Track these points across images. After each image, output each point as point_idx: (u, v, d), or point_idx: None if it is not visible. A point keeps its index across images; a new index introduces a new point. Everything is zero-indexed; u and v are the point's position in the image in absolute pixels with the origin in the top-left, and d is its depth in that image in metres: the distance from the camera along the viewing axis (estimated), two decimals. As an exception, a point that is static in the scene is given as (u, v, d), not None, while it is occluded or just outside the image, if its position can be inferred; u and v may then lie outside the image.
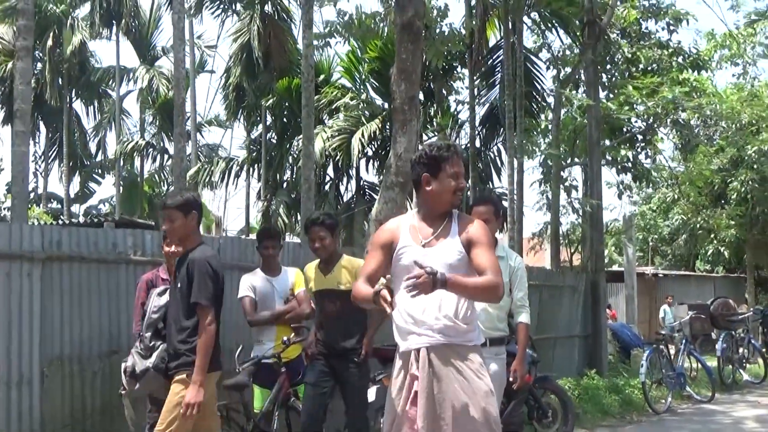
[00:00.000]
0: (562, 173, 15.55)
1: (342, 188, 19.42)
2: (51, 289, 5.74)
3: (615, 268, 25.90)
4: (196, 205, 4.73)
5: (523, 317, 5.46)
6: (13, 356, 5.56)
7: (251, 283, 6.21)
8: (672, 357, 10.84)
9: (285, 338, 5.90)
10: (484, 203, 5.36)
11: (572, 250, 17.12)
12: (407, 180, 8.04)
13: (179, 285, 4.50)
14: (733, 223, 22.22)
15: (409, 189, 8.27)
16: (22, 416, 5.58)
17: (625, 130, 16.16)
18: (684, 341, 11.37)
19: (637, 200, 32.26)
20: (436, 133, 17.39)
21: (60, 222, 19.57)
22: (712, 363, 12.42)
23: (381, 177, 18.32)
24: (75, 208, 26.07)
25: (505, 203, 16.53)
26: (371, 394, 6.01)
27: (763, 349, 13.13)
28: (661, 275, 25.52)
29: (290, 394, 5.89)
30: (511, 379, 5.25)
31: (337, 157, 17.60)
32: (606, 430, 8.63)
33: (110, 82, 26.68)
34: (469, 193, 16.85)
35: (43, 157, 26.82)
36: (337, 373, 5.50)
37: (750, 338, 13.72)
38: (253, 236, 22.69)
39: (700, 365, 11.61)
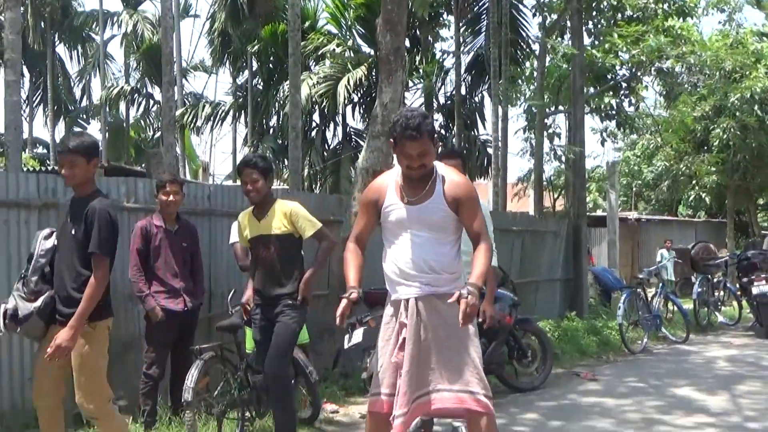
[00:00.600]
0: (546, 121, 15.73)
1: (328, 135, 19.46)
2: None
3: (599, 213, 26.21)
4: (98, 151, 4.55)
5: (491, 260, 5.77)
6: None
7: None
8: (649, 300, 11.12)
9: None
10: (452, 157, 5.69)
11: (555, 196, 17.40)
12: (393, 128, 8.21)
13: (74, 232, 4.30)
14: (714, 169, 22.47)
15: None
16: (23, 357, 5.81)
17: (609, 77, 16.30)
18: (661, 285, 11.67)
19: (621, 146, 32.50)
20: (422, 80, 17.43)
21: (47, 167, 19.61)
22: (690, 306, 12.82)
23: (367, 124, 18.43)
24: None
25: (490, 150, 16.78)
26: (358, 335, 6.26)
27: (738, 293, 13.45)
28: (643, 220, 25.86)
29: (280, 335, 6.13)
30: (480, 319, 5.45)
31: (323, 104, 17.59)
32: (583, 369, 8.92)
33: (94, 26, 26.39)
34: (454, 140, 17.05)
35: (27, 102, 26.61)
36: (272, 320, 5.32)
37: (726, 282, 14.06)
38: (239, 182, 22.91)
39: (676, 308, 11.94)
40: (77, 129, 25.61)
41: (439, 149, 5.14)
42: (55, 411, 4.45)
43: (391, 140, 3.88)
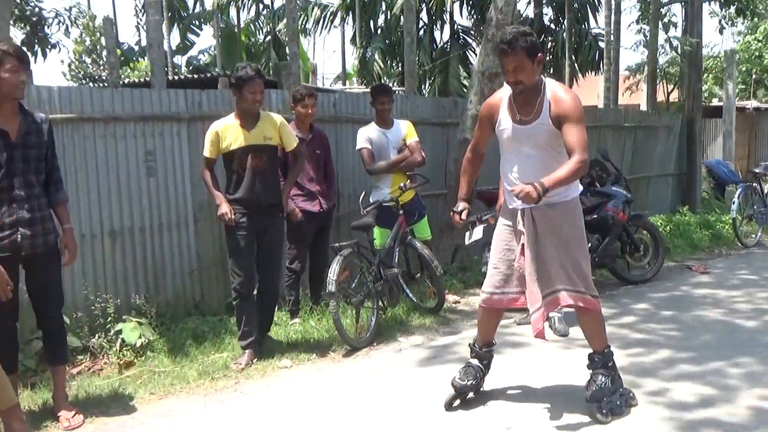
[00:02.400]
0: (661, 10, 15.30)
1: (436, 33, 19.49)
2: (196, 144, 6.52)
3: (714, 102, 25.29)
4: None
5: None
6: (171, 203, 6.47)
7: (368, 135, 6.87)
8: (765, 194, 11.03)
9: (402, 184, 6.64)
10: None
11: (669, 89, 17.03)
12: (507, 32, 8.38)
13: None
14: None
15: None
16: (182, 253, 6.57)
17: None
18: (778, 178, 11.51)
19: (741, 30, 30.93)
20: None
21: (166, 74, 20.44)
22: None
23: (474, 21, 18.41)
24: (177, 59, 26.91)
25: (602, 44, 16.51)
26: (478, 232, 6.63)
27: None
28: (762, 109, 24.86)
29: (407, 233, 6.67)
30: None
31: (431, 2, 17.60)
32: (695, 263, 9.14)
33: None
34: (564, 35, 16.84)
35: (143, 10, 27.47)
36: (258, 230, 5.51)
37: None
38: (350, 83, 23.26)
39: (793, 201, 11.77)
40: (191, 36, 26.40)
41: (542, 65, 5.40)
42: None
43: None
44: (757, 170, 11.38)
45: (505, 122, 4.17)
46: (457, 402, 4.42)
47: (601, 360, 4.22)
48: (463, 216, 4.44)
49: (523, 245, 4.19)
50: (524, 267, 4.19)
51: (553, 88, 4.05)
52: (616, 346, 5.52)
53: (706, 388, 4.59)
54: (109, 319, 5.73)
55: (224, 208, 5.40)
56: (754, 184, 10.86)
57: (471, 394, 4.48)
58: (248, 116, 5.52)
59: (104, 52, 23.43)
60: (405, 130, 6.99)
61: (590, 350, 4.29)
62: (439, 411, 4.35)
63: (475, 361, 4.51)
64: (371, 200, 6.68)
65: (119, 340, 5.61)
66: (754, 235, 10.66)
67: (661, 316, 6.55)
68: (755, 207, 10.77)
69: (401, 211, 6.62)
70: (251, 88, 5.41)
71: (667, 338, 5.79)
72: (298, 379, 5.11)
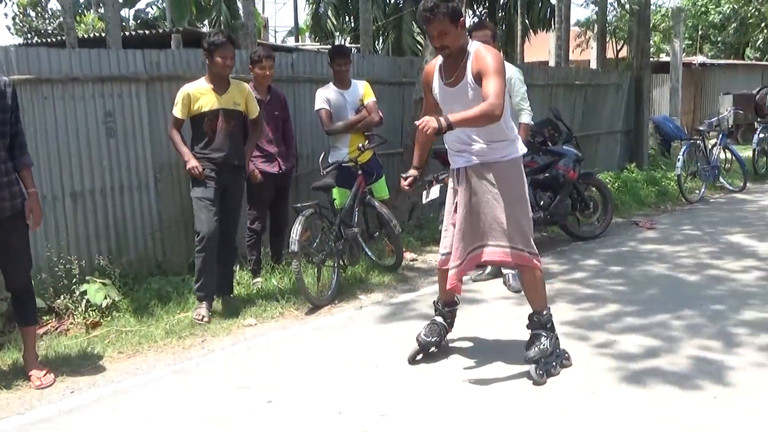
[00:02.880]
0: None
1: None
2: (155, 105, 6.56)
3: (662, 57, 25.69)
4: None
5: (523, 118, 6.50)
6: (131, 165, 6.50)
7: (326, 96, 6.97)
8: (708, 151, 11.41)
9: (360, 145, 6.77)
10: (482, 28, 6.27)
11: (618, 47, 17.32)
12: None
13: None
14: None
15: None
16: (143, 214, 6.62)
17: None
18: (720, 135, 11.88)
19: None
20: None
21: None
22: (749, 154, 13.09)
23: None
24: (124, 12, 26.35)
25: (553, 1, 16.67)
26: (435, 191, 6.80)
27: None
28: (707, 65, 25.34)
29: (366, 193, 6.83)
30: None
31: (385, -43, 17.52)
32: (642, 219, 9.49)
33: None
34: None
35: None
36: (224, 188, 5.76)
37: (787, 130, 14.10)
38: (302, 39, 23.08)
39: (734, 157, 12.19)
40: None
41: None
42: None
43: None
44: (701, 128, 11.74)
45: (436, 86, 4.32)
46: (420, 356, 4.64)
47: (540, 320, 4.40)
48: (409, 181, 4.61)
49: (456, 203, 4.39)
50: (456, 225, 4.38)
51: (476, 48, 4.15)
52: (566, 301, 5.86)
53: (651, 340, 4.88)
54: (74, 280, 5.80)
55: (193, 162, 5.62)
56: (698, 142, 11.20)
57: (433, 349, 4.70)
58: (220, 81, 5.73)
59: (49, 4, 22.92)
60: (362, 90, 7.10)
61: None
62: (401, 365, 4.57)
63: (439, 319, 4.73)
64: (330, 161, 6.80)
65: (84, 301, 5.69)
66: (697, 191, 11.05)
67: (610, 271, 6.85)
68: (699, 164, 11.13)
69: (360, 171, 6.76)
70: (222, 53, 5.63)
71: (614, 293, 6.09)
72: (264, 337, 5.28)
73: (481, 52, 4.11)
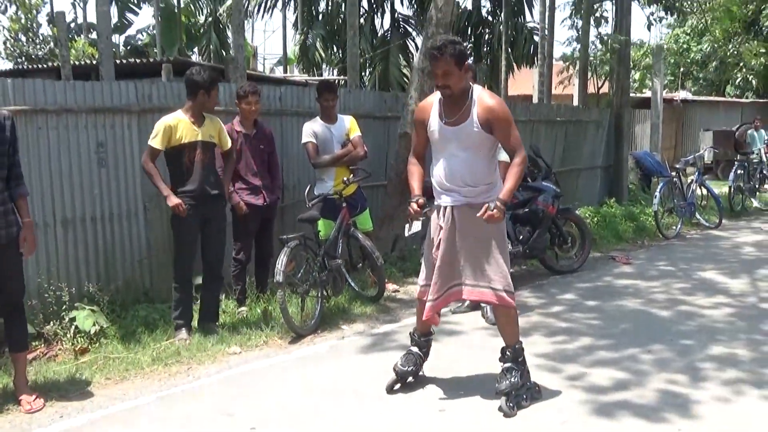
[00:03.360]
0: (594, 5, 15.86)
1: (377, 21, 19.73)
2: (146, 136, 6.66)
3: (646, 92, 26.10)
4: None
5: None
6: (121, 194, 6.66)
7: (313, 129, 7.19)
8: (685, 188, 11.69)
9: (345, 179, 6.99)
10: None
11: (600, 84, 17.69)
12: (447, 30, 8.78)
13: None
14: (763, 51, 22.36)
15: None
16: (132, 242, 6.78)
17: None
18: (697, 173, 12.17)
19: (670, 22, 31.93)
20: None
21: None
22: (725, 191, 13.42)
23: (415, 10, 18.77)
24: (114, 38, 26.58)
25: (536, 38, 17.04)
26: (417, 224, 6.99)
27: (772, 178, 13.99)
28: (689, 101, 25.80)
29: (350, 225, 7.03)
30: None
31: (373, -9, 17.84)
32: (619, 253, 9.73)
33: None
34: (501, 27, 17.31)
35: (80, -12, 27.06)
36: (204, 220, 5.97)
37: (762, 168, 14.46)
38: (290, 68, 23.35)
39: (710, 195, 12.44)
40: (129, 15, 26.08)
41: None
42: None
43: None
44: (678, 166, 12.04)
45: (434, 124, 4.51)
46: (398, 386, 4.81)
47: (512, 354, 4.54)
48: (420, 202, 4.58)
49: (440, 240, 4.57)
50: (436, 260, 4.57)
51: (480, 94, 4.41)
52: (542, 334, 6.05)
53: (621, 373, 5.07)
54: (63, 306, 5.93)
55: (174, 199, 5.81)
56: (675, 179, 11.49)
57: (411, 379, 4.87)
58: (199, 115, 6.00)
59: (40, 30, 23.11)
60: (348, 125, 7.33)
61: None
62: (380, 393, 4.74)
63: (415, 349, 4.90)
64: (315, 193, 6.99)
65: (73, 327, 5.82)
66: (674, 227, 11.30)
67: (585, 305, 7.05)
68: (675, 200, 11.41)
69: (344, 204, 6.96)
70: (217, 92, 6.08)
71: (589, 327, 6.29)
72: (248, 365, 5.43)
73: (487, 100, 4.37)
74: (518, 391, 4.46)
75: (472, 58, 18.49)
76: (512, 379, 4.45)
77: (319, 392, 4.82)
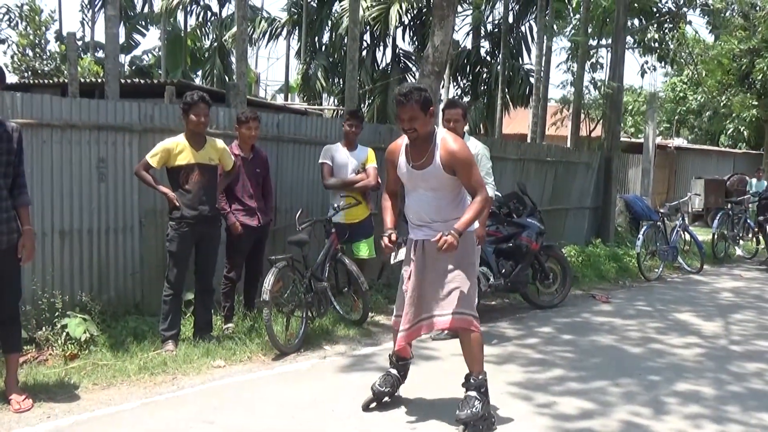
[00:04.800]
0: (589, 51, 16.31)
1: (378, 55, 20.14)
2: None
3: (641, 138, 26.46)
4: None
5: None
6: (119, 209, 6.90)
7: (331, 153, 7.59)
8: (668, 232, 11.97)
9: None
10: (455, 107, 6.68)
11: (592, 127, 18.06)
12: (441, 69, 9.12)
13: None
14: (755, 103, 22.81)
15: (441, 77, 9.38)
16: (126, 256, 7.01)
17: (654, 10, 16.72)
18: (681, 218, 12.45)
19: (669, 71, 32.47)
20: (471, 9, 17.99)
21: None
22: (709, 238, 13.72)
23: (416, 47, 19.18)
24: (120, 58, 27.00)
25: (532, 80, 17.43)
26: (402, 252, 7.19)
27: (756, 229, 14.26)
28: (682, 148, 26.21)
29: (338, 250, 7.27)
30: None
31: (375, 26, 18.24)
32: (600, 292, 9.98)
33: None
34: (498, 68, 17.70)
35: (89, 6, 27.53)
36: (200, 237, 6.31)
37: (746, 218, 14.73)
38: (292, 96, 23.70)
39: (693, 240, 12.73)
40: (136, 35, 26.50)
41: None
42: None
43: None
44: (662, 210, 12.33)
45: (402, 166, 4.76)
46: (374, 404, 5.02)
47: (475, 383, 4.66)
48: (393, 237, 4.83)
49: (410, 273, 4.81)
50: (407, 291, 4.80)
51: (443, 137, 4.65)
52: (517, 364, 6.26)
53: (588, 403, 5.29)
54: (56, 314, 6.14)
55: (171, 193, 6.21)
56: (659, 223, 11.78)
57: (387, 399, 5.09)
58: (196, 137, 6.32)
59: (47, 47, 23.47)
60: (367, 155, 7.71)
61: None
62: (356, 411, 4.94)
63: (393, 371, 5.13)
64: (329, 214, 7.38)
65: (64, 334, 6.03)
66: (656, 270, 11.56)
67: (561, 339, 7.27)
68: (658, 244, 11.68)
69: (333, 230, 7.22)
70: (196, 111, 6.23)
71: (562, 359, 6.51)
72: (231, 378, 5.64)
73: (450, 144, 4.58)
74: (477, 421, 4.54)
75: (468, 96, 18.91)
76: (473, 409, 4.54)
77: (297, 407, 5.02)
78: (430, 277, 4.72)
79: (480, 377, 4.71)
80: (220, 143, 6.50)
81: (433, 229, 4.70)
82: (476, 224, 4.88)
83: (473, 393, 4.65)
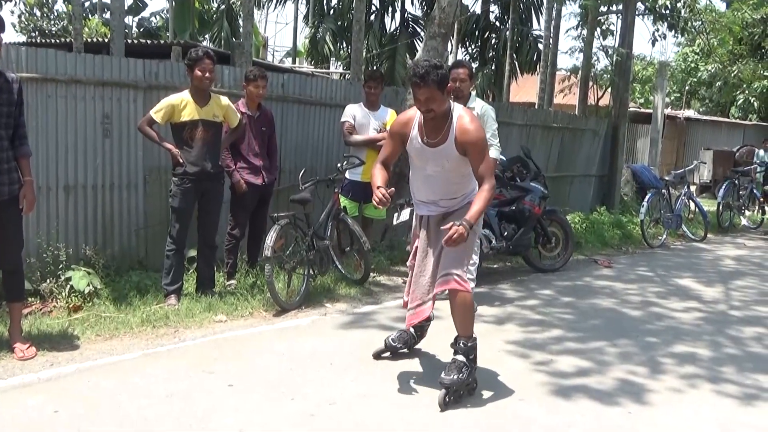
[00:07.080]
0: (599, 18, 16.15)
1: (386, 20, 19.92)
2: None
3: (650, 109, 26.25)
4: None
5: (492, 153, 6.73)
6: (123, 165, 6.95)
7: (353, 112, 7.71)
8: (672, 200, 11.96)
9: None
10: (461, 67, 6.70)
11: (600, 94, 17.94)
12: (448, 31, 9.06)
13: None
14: (767, 74, 22.61)
15: (448, 39, 9.32)
16: (130, 212, 7.06)
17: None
18: (686, 186, 12.41)
19: (681, 41, 32.15)
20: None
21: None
22: (714, 208, 13.71)
23: (425, 12, 19.02)
24: (128, 19, 26.88)
25: (541, 46, 17.30)
26: (405, 214, 7.26)
27: (761, 199, 14.25)
28: (692, 119, 26.03)
29: (340, 209, 7.31)
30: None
31: (383, -11, 18.06)
32: (602, 257, 10.01)
33: None
34: (507, 33, 17.57)
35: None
36: (202, 193, 6.35)
37: (752, 188, 14.66)
38: (300, 60, 23.59)
39: (697, 209, 12.78)
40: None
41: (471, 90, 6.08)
42: None
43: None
44: (667, 178, 12.31)
45: (416, 141, 4.55)
46: (387, 354, 5.16)
47: (464, 348, 4.52)
48: (386, 191, 4.43)
49: (416, 248, 4.82)
50: (414, 267, 4.79)
51: (459, 115, 4.44)
52: (515, 324, 6.32)
53: (585, 362, 5.34)
54: (60, 266, 6.22)
55: (175, 150, 6.21)
56: (663, 191, 11.76)
57: (402, 350, 5.21)
58: (200, 94, 6.30)
59: (55, 6, 23.36)
60: (388, 116, 7.78)
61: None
62: (354, 364, 5.01)
63: (411, 329, 5.19)
64: (348, 177, 7.49)
65: (68, 287, 6.11)
66: (660, 237, 11.57)
67: (561, 301, 7.32)
68: (662, 211, 11.67)
69: (336, 189, 7.26)
70: (201, 66, 6.19)
71: (561, 320, 6.56)
72: (232, 332, 5.71)
73: (466, 124, 4.38)
74: (460, 387, 4.46)
75: (476, 62, 18.78)
76: (460, 376, 4.43)
77: (296, 359, 5.09)
78: (435, 252, 4.65)
79: (470, 343, 4.56)
80: (224, 100, 6.49)
81: (441, 205, 4.66)
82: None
83: (461, 358, 4.53)
